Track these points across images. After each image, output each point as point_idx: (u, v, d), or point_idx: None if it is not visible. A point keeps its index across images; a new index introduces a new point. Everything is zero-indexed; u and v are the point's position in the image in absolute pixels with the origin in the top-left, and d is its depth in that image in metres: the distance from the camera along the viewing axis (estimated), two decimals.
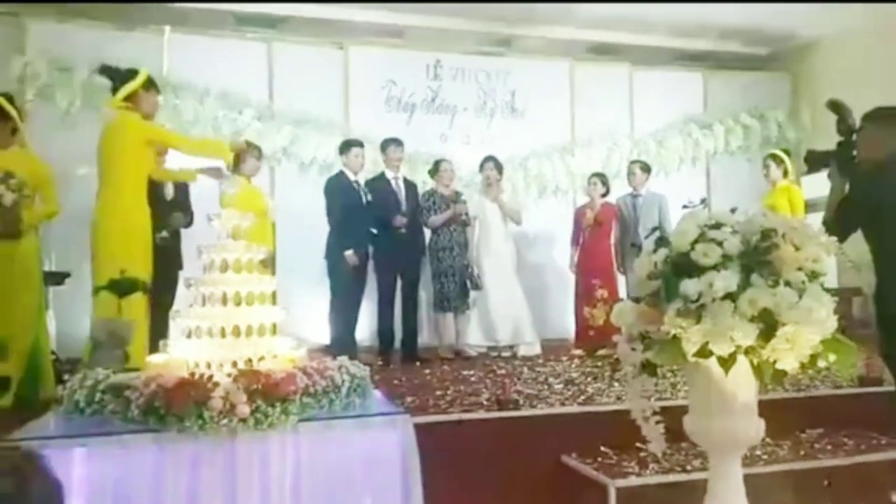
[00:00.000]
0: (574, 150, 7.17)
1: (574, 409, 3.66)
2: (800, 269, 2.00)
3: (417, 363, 5.32)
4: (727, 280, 1.93)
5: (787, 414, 3.88)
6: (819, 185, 8.81)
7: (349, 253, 5.15)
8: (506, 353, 5.70)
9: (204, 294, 2.68)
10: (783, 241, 1.96)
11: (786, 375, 1.99)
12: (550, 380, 4.45)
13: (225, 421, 2.24)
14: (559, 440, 3.50)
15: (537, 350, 5.76)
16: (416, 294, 5.69)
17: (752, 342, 1.90)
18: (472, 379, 4.52)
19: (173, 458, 2.20)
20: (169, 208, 4.67)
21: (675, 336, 2.01)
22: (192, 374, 2.35)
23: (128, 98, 3.92)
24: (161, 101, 5.94)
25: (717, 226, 2.08)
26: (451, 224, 5.72)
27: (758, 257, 1.98)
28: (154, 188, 4.61)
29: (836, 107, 3.17)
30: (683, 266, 2.03)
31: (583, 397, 3.88)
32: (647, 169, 6.13)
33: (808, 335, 1.89)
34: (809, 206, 7.26)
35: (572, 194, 7.06)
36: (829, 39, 7.34)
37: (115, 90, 3.95)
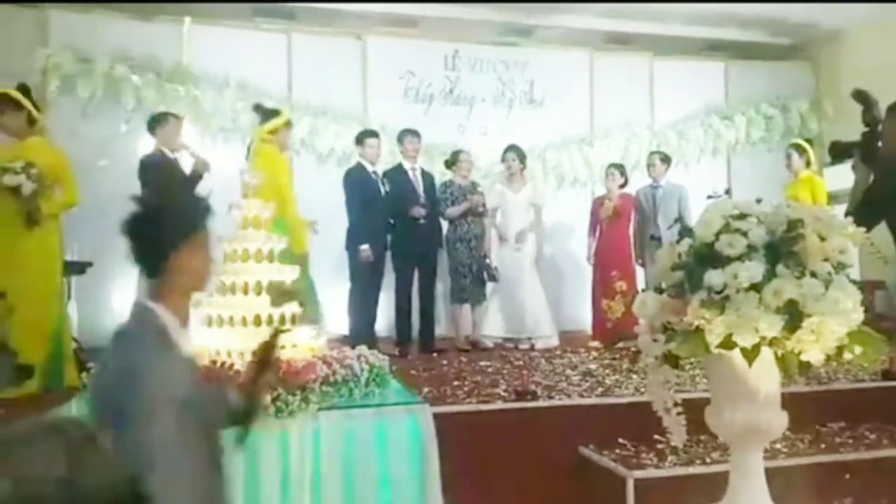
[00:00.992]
0: (593, 140, 7.11)
1: (592, 400, 3.65)
2: (826, 260, 1.97)
3: (434, 354, 5.32)
4: (752, 271, 1.91)
5: (807, 407, 3.85)
6: (841, 176, 8.66)
7: (364, 248, 5.15)
8: (523, 346, 5.68)
9: (224, 283, 2.70)
10: (809, 232, 1.93)
11: (811, 368, 1.97)
12: (568, 371, 4.44)
13: None
14: (577, 431, 3.49)
15: (555, 342, 5.74)
16: (433, 285, 5.68)
17: (777, 333, 1.88)
18: (490, 370, 4.52)
19: None
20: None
21: (698, 327, 1.99)
22: (213, 363, 2.37)
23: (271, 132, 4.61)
24: (182, 92, 6.07)
25: (742, 216, 2.05)
26: (468, 215, 5.71)
27: (784, 248, 1.96)
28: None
29: (861, 97, 3.11)
30: (708, 256, 2.01)
31: (601, 389, 3.86)
32: (667, 160, 6.06)
33: (834, 327, 1.87)
34: (832, 198, 7.16)
35: (591, 185, 7.00)
36: (852, 29, 7.20)
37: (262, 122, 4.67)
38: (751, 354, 1.90)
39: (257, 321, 2.61)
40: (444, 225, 5.80)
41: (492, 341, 5.77)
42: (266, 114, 4.75)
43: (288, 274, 2.78)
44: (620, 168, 5.97)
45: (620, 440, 3.44)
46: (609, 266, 5.74)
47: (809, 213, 2.02)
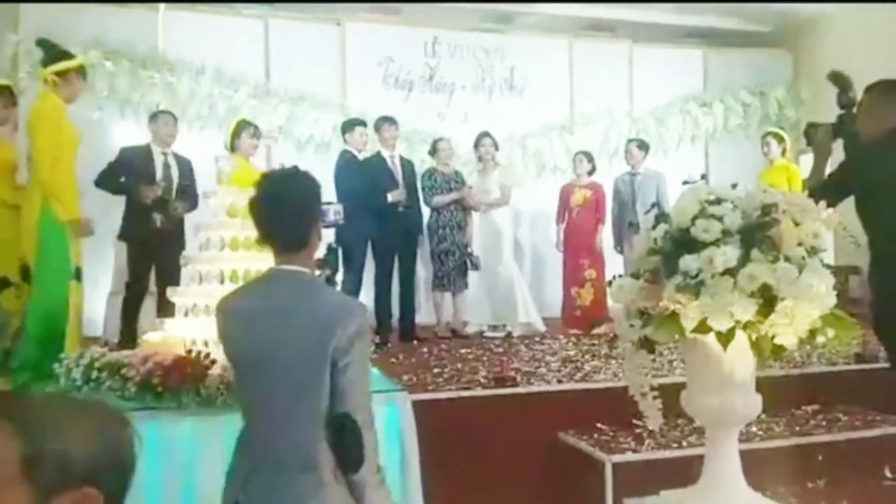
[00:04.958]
0: (573, 128, 7.13)
1: (571, 385, 3.67)
2: (800, 244, 1.99)
3: (415, 342, 5.32)
4: (727, 255, 1.92)
5: (782, 390, 3.90)
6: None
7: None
8: (502, 333, 5.70)
9: (200, 272, 2.67)
10: (783, 217, 1.95)
11: (784, 351, 1.99)
12: (548, 357, 4.46)
13: (222, 397, 2.24)
14: (556, 417, 3.52)
15: (539, 328, 5.74)
16: (413, 273, 5.67)
17: (751, 317, 1.90)
18: (470, 357, 4.53)
19: (171, 435, 2.20)
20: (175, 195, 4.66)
21: (673, 312, 2.01)
22: (189, 352, 2.35)
23: (59, 74, 3.70)
24: (157, 79, 5.97)
25: (718, 201, 2.07)
26: (451, 203, 5.71)
27: (758, 233, 1.97)
28: (150, 170, 4.61)
29: (837, 78, 3.13)
30: (683, 242, 2.02)
31: (579, 374, 3.89)
32: (644, 147, 6.09)
33: (807, 310, 1.89)
34: (806, 184, 7.25)
35: (570, 173, 7.02)
36: (830, 16, 7.26)
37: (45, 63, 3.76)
38: (725, 338, 1.92)
39: None
40: (426, 212, 5.79)
41: (473, 329, 5.79)
42: (52, 53, 3.83)
43: (265, 263, 2.75)
44: (588, 155, 5.99)
45: (599, 425, 3.47)
46: (577, 254, 5.77)
47: (784, 197, 2.03)
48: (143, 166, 4.62)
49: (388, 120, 5.61)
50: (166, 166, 4.69)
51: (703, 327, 1.94)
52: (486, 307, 5.80)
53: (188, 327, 2.58)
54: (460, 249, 5.74)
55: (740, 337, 1.96)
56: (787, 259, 1.94)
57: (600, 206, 5.85)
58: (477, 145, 5.89)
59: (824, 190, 2.63)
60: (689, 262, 1.96)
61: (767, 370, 3.85)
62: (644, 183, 5.90)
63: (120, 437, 0.89)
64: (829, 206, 2.11)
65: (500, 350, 4.87)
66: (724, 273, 1.92)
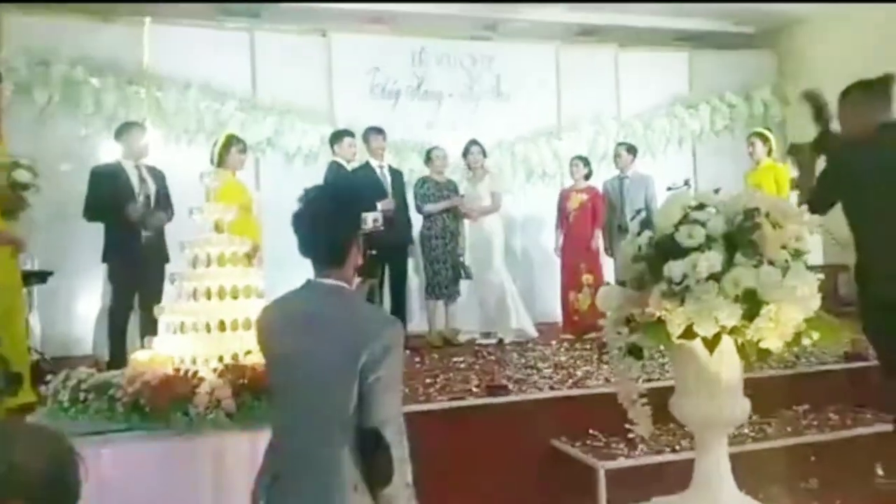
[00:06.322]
0: (560, 133, 7.14)
1: (563, 392, 3.67)
2: (783, 247, 2.00)
3: (407, 352, 5.30)
4: (711, 261, 1.94)
5: (774, 391, 3.92)
6: None
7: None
8: (495, 340, 5.70)
9: (188, 289, 2.66)
10: (766, 221, 1.96)
11: (770, 355, 2.00)
12: (540, 364, 4.46)
13: (211, 416, 2.23)
14: (549, 424, 3.52)
15: (532, 334, 5.74)
16: (404, 282, 5.67)
17: (737, 322, 1.91)
18: (462, 366, 4.53)
19: (160, 456, 2.19)
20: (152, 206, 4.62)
21: (659, 318, 2.01)
22: (177, 371, 2.34)
23: None
24: (143, 94, 5.95)
25: (701, 207, 2.08)
26: (443, 212, 5.72)
27: (741, 237, 1.98)
28: (128, 187, 4.57)
29: (810, 97, 3.12)
30: (668, 248, 2.03)
31: (571, 381, 3.89)
32: (633, 151, 6.12)
33: (791, 313, 1.90)
34: (793, 183, 7.29)
35: (560, 178, 7.03)
36: (814, 16, 7.31)
37: None
38: (711, 343, 1.93)
39: (221, 326, 2.58)
40: (419, 221, 5.80)
41: (465, 337, 5.78)
42: None
43: (252, 278, 2.75)
44: (584, 159, 6.02)
45: (592, 431, 3.47)
46: (576, 258, 5.78)
47: (766, 201, 2.05)
48: (121, 184, 4.52)
49: (376, 130, 5.62)
50: (142, 180, 4.62)
51: (689, 333, 1.95)
52: (478, 315, 5.81)
53: (176, 345, 2.57)
54: (452, 258, 5.74)
55: (726, 341, 1.97)
56: (771, 263, 1.95)
57: (597, 210, 5.87)
58: (466, 153, 5.91)
59: (812, 203, 2.65)
60: (673, 268, 1.97)
61: (758, 371, 3.88)
62: (633, 186, 5.93)
63: (64, 461, 0.95)
64: (821, 214, 2.12)
65: (493, 358, 4.87)
66: (708, 278, 1.93)
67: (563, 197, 6.04)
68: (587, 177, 5.96)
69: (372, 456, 1.58)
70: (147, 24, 6.18)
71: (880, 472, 3.58)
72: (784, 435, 3.55)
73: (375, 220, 4.06)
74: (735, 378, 2.06)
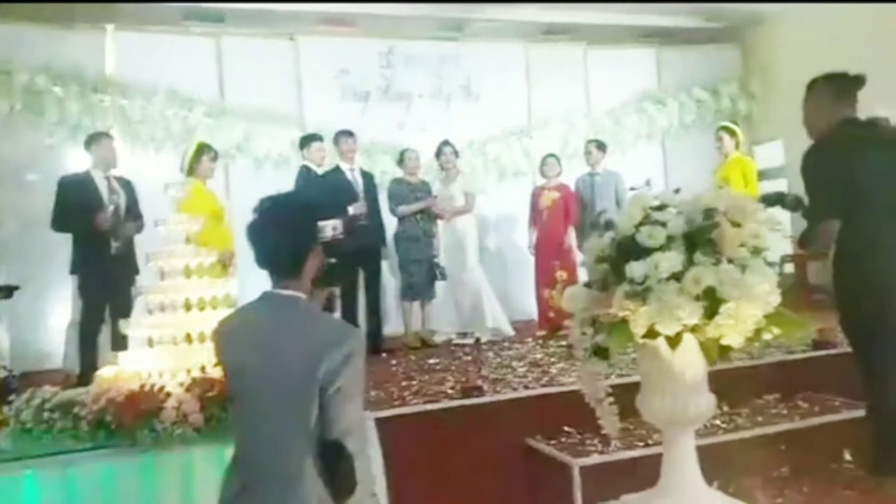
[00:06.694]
0: (531, 132, 7.18)
1: (537, 391, 3.68)
2: (742, 245, 2.03)
3: (383, 354, 5.30)
4: (672, 260, 1.96)
5: (744, 382, 3.97)
6: (771, 155, 8.97)
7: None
8: (471, 339, 5.71)
9: (154, 302, 2.63)
10: (724, 220, 1.98)
11: (731, 351, 2.03)
12: (514, 363, 4.48)
13: (179, 431, 2.21)
14: (524, 423, 3.53)
15: (508, 333, 5.76)
16: (378, 284, 5.66)
17: (698, 320, 1.93)
18: (438, 367, 4.53)
19: (126, 474, 2.16)
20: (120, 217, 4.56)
21: (623, 318, 2.03)
22: (143, 386, 2.31)
23: None
24: (108, 102, 5.87)
25: (662, 207, 2.10)
26: (417, 213, 5.71)
27: (701, 236, 2.01)
28: (97, 197, 4.51)
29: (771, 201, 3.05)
30: (629, 249, 2.05)
31: (546, 379, 3.91)
32: (602, 147, 6.17)
33: (751, 310, 1.93)
34: (762, 175, 7.40)
35: (532, 176, 7.06)
36: (779, 11, 7.41)
37: None
38: (673, 342, 1.95)
39: (188, 339, 2.55)
40: (393, 223, 5.79)
41: (441, 337, 5.79)
42: None
43: (220, 289, 2.72)
44: (555, 157, 6.06)
45: (566, 428, 3.48)
46: (549, 256, 5.81)
47: (726, 200, 2.07)
48: (89, 194, 4.46)
49: (346, 133, 5.60)
50: (112, 191, 4.56)
51: (652, 332, 1.97)
52: (454, 315, 5.82)
53: (143, 360, 2.54)
54: (427, 259, 5.75)
55: (690, 340, 1.99)
56: (731, 261, 1.98)
57: (569, 207, 5.91)
58: (438, 154, 5.92)
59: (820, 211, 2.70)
60: (635, 268, 1.98)
61: (728, 363, 3.94)
62: (603, 183, 5.98)
63: None
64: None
65: (469, 358, 4.88)
66: (669, 278, 1.95)
67: (535, 195, 6.07)
68: (558, 174, 6.00)
69: (335, 467, 1.57)
70: (110, 30, 6.10)
71: (848, 457, 3.65)
72: (755, 425, 3.59)
73: (335, 229, 4.05)
74: (699, 375, 2.08)
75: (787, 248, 7.42)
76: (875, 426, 2.99)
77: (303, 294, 1.72)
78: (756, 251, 2.05)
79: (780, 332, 2.03)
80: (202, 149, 4.73)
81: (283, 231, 1.70)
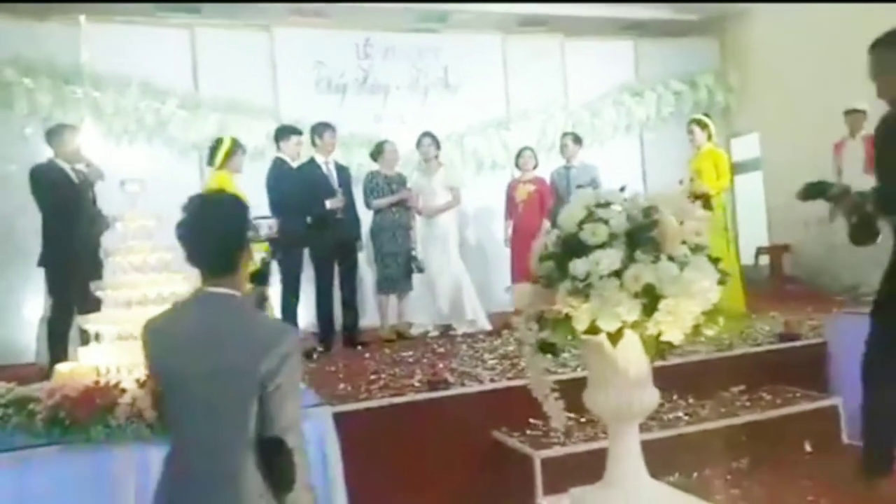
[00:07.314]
0: (509, 124, 7.19)
1: (503, 384, 3.72)
2: (684, 242, 2.06)
3: (359, 347, 5.33)
4: (612, 258, 1.98)
5: (710, 374, 4.04)
6: (746, 147, 8.98)
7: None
8: (450, 332, 5.73)
9: (111, 298, 2.64)
10: (663, 218, 2.01)
11: (672, 347, 2.06)
12: (486, 356, 4.51)
13: (132, 427, 2.22)
14: (490, 416, 3.56)
15: (485, 327, 5.77)
16: (355, 278, 5.66)
17: (637, 317, 1.96)
18: (410, 360, 4.55)
19: (80, 470, 2.18)
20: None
21: (567, 315, 2.06)
22: (97, 382, 2.32)
23: None
24: (80, 94, 5.83)
25: (606, 205, 2.12)
26: (394, 206, 5.71)
27: (641, 234, 2.03)
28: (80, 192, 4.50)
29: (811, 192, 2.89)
30: (573, 246, 2.07)
31: (513, 371, 3.94)
32: (578, 140, 6.18)
33: (689, 307, 1.96)
34: (737, 168, 7.45)
35: (510, 169, 7.08)
36: (756, 3, 7.44)
37: None
38: (614, 338, 1.98)
39: None
40: (369, 216, 5.79)
41: (418, 330, 5.81)
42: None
43: (178, 285, 2.73)
44: (531, 150, 6.08)
45: (532, 420, 3.52)
46: (525, 248, 5.79)
47: (665, 199, 2.10)
48: (63, 185, 4.46)
49: (327, 126, 5.53)
50: (83, 181, 4.57)
51: (594, 329, 2.00)
52: (432, 308, 5.82)
53: (101, 355, 2.55)
54: (403, 252, 5.75)
55: (631, 336, 2.02)
56: (671, 258, 2.00)
57: (544, 200, 5.93)
58: (418, 145, 5.90)
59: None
60: (577, 265, 2.01)
61: (694, 355, 4.00)
62: (579, 176, 6.00)
63: None
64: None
65: (443, 351, 4.91)
66: (610, 275, 1.98)
67: (511, 188, 6.09)
68: (535, 167, 6.02)
69: (275, 462, 1.60)
70: (83, 22, 6.04)
71: (808, 448, 3.72)
72: (717, 417, 3.65)
73: (270, 227, 4.10)
74: (642, 370, 2.11)
75: (763, 237, 7.50)
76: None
77: (238, 292, 1.73)
78: (697, 249, 2.08)
79: (720, 329, 2.06)
80: (236, 143, 4.86)
81: (214, 228, 1.69)
